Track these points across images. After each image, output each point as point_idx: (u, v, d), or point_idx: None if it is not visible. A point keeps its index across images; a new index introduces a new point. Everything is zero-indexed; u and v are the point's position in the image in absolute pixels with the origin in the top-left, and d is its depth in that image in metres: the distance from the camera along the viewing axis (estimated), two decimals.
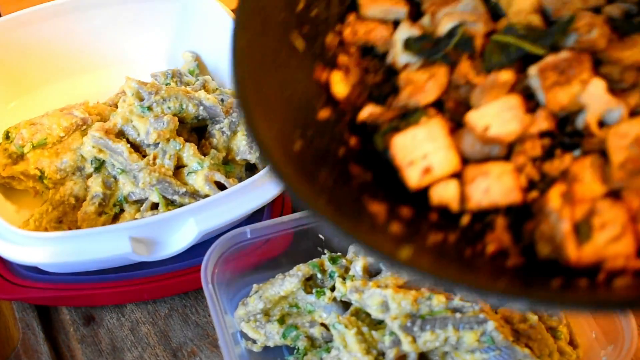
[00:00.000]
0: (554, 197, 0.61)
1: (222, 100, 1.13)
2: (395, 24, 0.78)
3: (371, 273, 0.94)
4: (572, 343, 0.95)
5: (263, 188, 0.99)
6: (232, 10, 1.12)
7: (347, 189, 0.66)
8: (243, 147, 1.10)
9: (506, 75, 0.67)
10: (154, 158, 1.07)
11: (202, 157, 1.08)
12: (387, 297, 0.87)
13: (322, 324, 0.94)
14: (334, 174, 0.66)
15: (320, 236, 1.02)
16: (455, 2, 0.74)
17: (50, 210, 1.07)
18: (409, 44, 0.73)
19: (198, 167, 1.07)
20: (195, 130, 1.16)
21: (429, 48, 0.72)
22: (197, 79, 1.21)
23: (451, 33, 0.71)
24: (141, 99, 1.10)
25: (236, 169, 1.12)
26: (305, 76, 0.73)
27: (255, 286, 0.96)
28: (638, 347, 0.90)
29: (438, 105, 0.70)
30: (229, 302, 0.97)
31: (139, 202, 1.08)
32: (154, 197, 1.05)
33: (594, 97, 0.65)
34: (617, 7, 0.70)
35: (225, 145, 1.11)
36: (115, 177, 1.09)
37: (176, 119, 1.08)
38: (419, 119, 0.68)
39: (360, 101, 0.74)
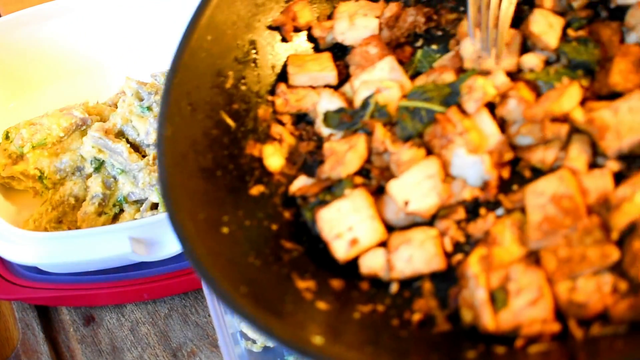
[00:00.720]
0: (473, 262, 0.60)
1: None
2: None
3: None
4: None
5: None
6: None
7: (277, 268, 0.65)
8: None
9: (409, 154, 0.67)
10: (154, 158, 1.07)
11: None
12: None
13: None
14: (265, 253, 0.66)
15: None
16: (373, 65, 0.73)
17: (50, 210, 1.07)
18: (328, 118, 0.73)
19: None
20: None
21: (347, 121, 0.72)
22: None
23: (366, 103, 0.71)
24: (141, 99, 1.10)
25: None
26: (238, 153, 0.72)
27: None
28: None
29: (366, 172, 0.70)
30: None
31: (139, 202, 1.08)
32: (154, 197, 1.05)
33: (460, 157, 0.65)
34: (536, 57, 0.69)
35: None
36: (115, 177, 1.09)
37: None
38: (343, 191, 0.68)
39: (294, 171, 0.73)
